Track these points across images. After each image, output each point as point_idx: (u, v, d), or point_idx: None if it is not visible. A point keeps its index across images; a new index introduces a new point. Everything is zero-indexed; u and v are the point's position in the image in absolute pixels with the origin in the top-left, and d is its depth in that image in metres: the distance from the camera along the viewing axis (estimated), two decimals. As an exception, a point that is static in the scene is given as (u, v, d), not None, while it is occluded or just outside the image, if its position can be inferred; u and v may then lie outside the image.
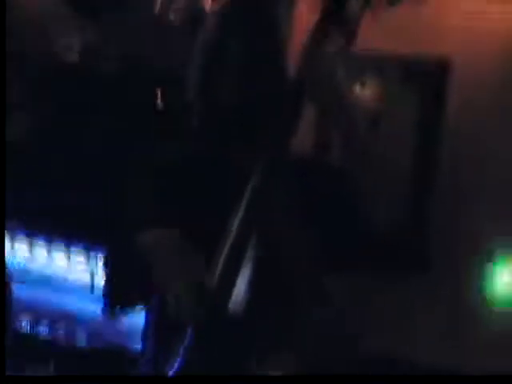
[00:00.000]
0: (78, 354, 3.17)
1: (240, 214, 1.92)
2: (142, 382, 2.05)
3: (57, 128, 3.34)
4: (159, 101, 3.17)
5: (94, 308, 3.14)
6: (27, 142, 3.34)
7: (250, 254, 1.93)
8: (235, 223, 1.92)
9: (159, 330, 2.08)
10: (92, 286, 3.16)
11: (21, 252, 3.26)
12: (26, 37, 3.60)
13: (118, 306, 2.12)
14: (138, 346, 2.53)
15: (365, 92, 2.97)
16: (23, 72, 3.47)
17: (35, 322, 3.22)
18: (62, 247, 3.20)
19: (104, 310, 2.13)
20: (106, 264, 2.20)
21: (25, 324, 3.21)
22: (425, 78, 3.08)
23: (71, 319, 3.21)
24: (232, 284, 1.90)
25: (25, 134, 3.35)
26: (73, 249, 3.20)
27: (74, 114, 3.31)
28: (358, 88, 2.94)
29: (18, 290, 3.05)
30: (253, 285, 1.92)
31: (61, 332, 3.21)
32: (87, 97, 3.32)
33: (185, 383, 1.89)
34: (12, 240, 3.25)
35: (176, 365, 1.88)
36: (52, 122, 3.37)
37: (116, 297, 2.11)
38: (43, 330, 3.23)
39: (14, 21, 3.51)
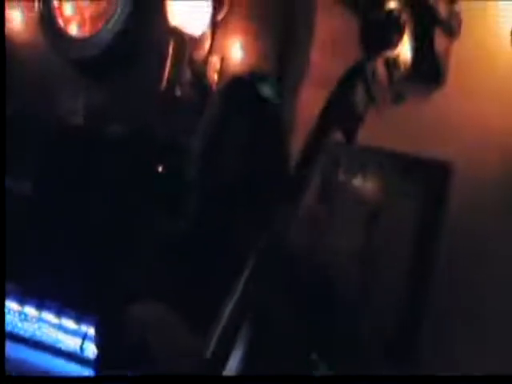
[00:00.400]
0: None
1: (236, 294, 1.91)
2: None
3: (57, 192, 3.37)
4: (161, 170, 3.18)
5: (81, 371, 3.09)
6: (28, 203, 3.38)
7: (243, 334, 1.92)
8: (231, 302, 1.91)
9: None
10: (81, 350, 3.11)
11: (12, 312, 3.24)
12: (28, 99, 3.62)
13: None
14: None
15: (366, 185, 2.99)
16: (25, 134, 3.52)
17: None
18: (53, 312, 3.18)
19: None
20: (96, 334, 2.29)
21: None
22: (426, 177, 3.09)
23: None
24: (223, 362, 1.88)
25: (26, 195, 3.38)
26: (64, 315, 3.17)
27: (75, 178, 3.34)
28: (359, 181, 2.96)
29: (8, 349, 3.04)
30: (244, 364, 1.91)
31: None
32: (89, 160, 3.35)
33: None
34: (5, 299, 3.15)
35: None
36: (52, 184, 3.41)
37: (106, 367, 2.11)
38: None
39: (16, 81, 3.54)
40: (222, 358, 1.88)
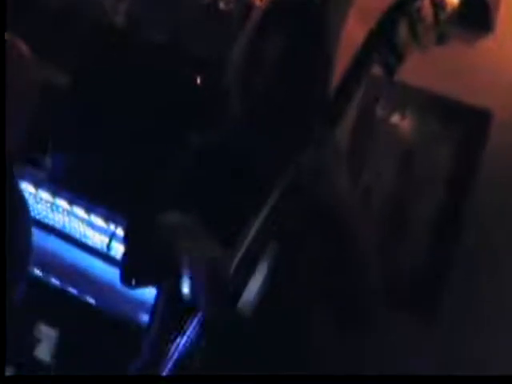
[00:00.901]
0: (85, 309, 3.17)
1: (263, 214, 1.92)
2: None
3: (94, 89, 3.37)
4: (198, 81, 3.19)
5: (106, 270, 3.17)
6: (65, 97, 3.38)
7: (266, 258, 1.93)
8: (257, 222, 1.92)
9: (169, 309, 2.09)
10: (108, 249, 3.16)
11: (43, 202, 3.28)
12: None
13: (134, 280, 2.17)
14: (145, 318, 2.56)
15: (403, 124, 2.98)
16: (69, 28, 3.53)
17: (47, 273, 3.24)
18: (84, 207, 3.21)
19: (120, 279, 2.16)
20: (126, 236, 2.23)
21: (37, 273, 3.22)
22: (464, 123, 3.06)
23: (83, 276, 3.22)
24: (244, 283, 1.90)
25: (64, 89, 3.38)
26: (93, 212, 3.21)
27: (112, 78, 3.34)
28: (396, 119, 2.95)
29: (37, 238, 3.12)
30: (264, 289, 1.92)
31: (71, 287, 3.22)
32: (126, 62, 3.34)
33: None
34: (36, 188, 3.26)
35: (178, 349, 1.88)
36: (90, 81, 3.40)
37: (132, 271, 2.16)
38: (54, 282, 3.24)
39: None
40: (244, 276, 1.90)
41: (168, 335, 1.95)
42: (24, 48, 2.31)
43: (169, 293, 2.09)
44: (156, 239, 2.01)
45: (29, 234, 2.36)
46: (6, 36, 2.33)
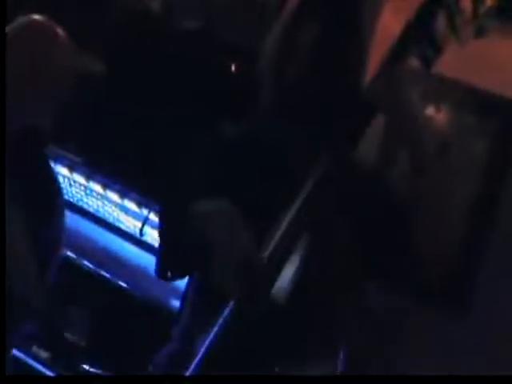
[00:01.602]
0: (117, 292, 3.17)
1: (297, 205, 1.95)
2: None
3: (128, 75, 3.35)
4: (232, 69, 3.18)
5: (139, 254, 3.18)
6: (99, 83, 3.34)
7: (300, 247, 1.97)
8: (290, 213, 1.95)
9: (200, 297, 2.14)
10: (141, 233, 3.15)
11: (78, 186, 3.30)
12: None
13: (170, 273, 2.18)
14: (177, 305, 2.58)
15: (438, 116, 2.97)
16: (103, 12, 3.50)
17: (80, 256, 3.26)
18: (118, 192, 3.22)
19: (156, 272, 2.17)
20: (160, 228, 2.23)
21: (70, 256, 3.23)
22: (501, 118, 3.02)
23: (115, 260, 3.24)
24: (278, 271, 1.94)
25: (97, 74, 3.35)
26: (127, 197, 3.21)
27: (145, 64, 3.31)
28: (432, 112, 2.94)
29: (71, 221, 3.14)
30: (298, 278, 1.97)
31: (103, 270, 3.23)
32: (160, 49, 3.32)
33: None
34: (71, 171, 3.29)
35: (209, 338, 1.90)
36: (123, 67, 3.39)
37: (168, 263, 2.17)
38: (87, 265, 3.25)
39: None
40: (277, 263, 1.94)
41: (199, 323, 1.99)
42: (61, 33, 2.34)
43: (201, 281, 2.13)
44: (190, 228, 2.00)
45: (62, 217, 2.40)
46: (43, 19, 2.35)
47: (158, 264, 2.16)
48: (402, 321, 2.82)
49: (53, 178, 2.44)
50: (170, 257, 2.15)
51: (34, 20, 2.34)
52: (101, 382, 2.44)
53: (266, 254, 1.92)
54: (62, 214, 2.42)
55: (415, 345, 2.82)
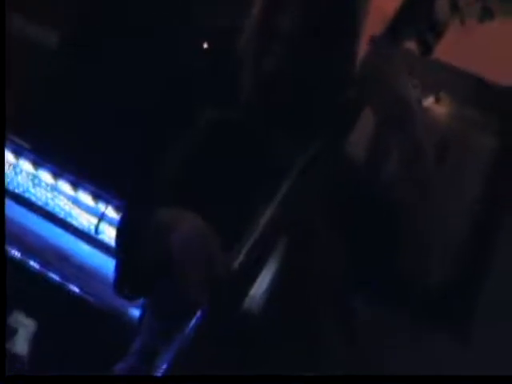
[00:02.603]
0: (68, 298, 3.19)
1: (273, 206, 1.91)
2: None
3: (88, 51, 3.44)
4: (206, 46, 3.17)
5: (94, 254, 3.22)
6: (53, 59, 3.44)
7: (277, 253, 1.93)
8: (266, 215, 1.91)
9: (163, 306, 2.09)
10: (96, 231, 3.19)
11: (24, 174, 3.31)
12: None
13: (127, 288, 2.15)
14: (136, 313, 2.56)
15: (438, 108, 2.98)
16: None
17: (26, 255, 3.26)
18: (70, 182, 3.24)
19: (113, 287, 2.14)
20: (119, 233, 2.17)
21: (15, 254, 3.24)
22: (506, 112, 3.06)
23: (66, 261, 3.25)
24: (250, 279, 1.90)
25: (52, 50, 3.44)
26: (81, 188, 3.23)
27: (111, 40, 3.40)
28: (430, 100, 2.95)
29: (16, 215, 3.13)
30: (274, 287, 1.93)
31: (53, 272, 3.23)
32: (133, 28, 3.41)
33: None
34: (17, 157, 3.31)
35: (173, 350, 1.87)
36: (84, 40, 3.48)
37: (126, 277, 2.13)
38: (34, 265, 3.26)
39: None
40: (250, 271, 1.91)
41: (162, 334, 1.96)
42: None
43: (163, 293, 2.08)
44: (152, 238, 1.96)
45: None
46: None
47: (115, 277, 2.10)
48: (390, 338, 2.84)
49: None
50: (128, 270, 2.11)
51: None
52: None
53: (237, 261, 1.90)
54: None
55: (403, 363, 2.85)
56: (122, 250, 2.10)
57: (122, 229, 2.14)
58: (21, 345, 3.06)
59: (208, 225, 1.90)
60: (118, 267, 2.09)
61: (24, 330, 3.07)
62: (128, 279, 2.10)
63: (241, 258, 1.89)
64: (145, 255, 2.00)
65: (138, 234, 2.02)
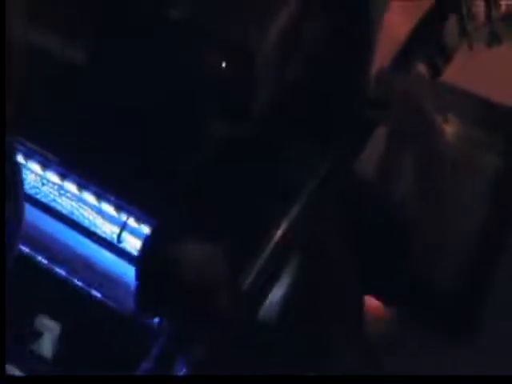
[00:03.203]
0: (91, 303, 3.21)
1: (287, 222, 1.93)
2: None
3: (111, 65, 3.44)
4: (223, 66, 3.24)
5: (116, 262, 3.24)
6: (78, 73, 3.45)
7: (289, 268, 1.96)
8: (277, 233, 1.93)
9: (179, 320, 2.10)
10: (119, 240, 3.22)
11: (51, 185, 3.37)
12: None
13: (147, 310, 2.23)
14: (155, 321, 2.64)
15: (446, 129, 2.99)
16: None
17: (51, 261, 3.29)
18: (94, 193, 3.29)
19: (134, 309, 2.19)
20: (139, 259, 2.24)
21: (41, 261, 3.28)
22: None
23: (90, 268, 3.29)
24: (265, 292, 1.93)
25: (76, 63, 3.47)
26: (104, 200, 3.28)
27: (133, 56, 3.38)
28: (439, 120, 2.96)
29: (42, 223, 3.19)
30: (286, 299, 1.97)
31: (77, 279, 3.25)
32: (150, 42, 3.40)
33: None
34: (44, 169, 3.37)
35: (190, 357, 1.93)
36: (107, 57, 3.48)
37: (146, 301, 2.17)
38: (59, 271, 3.28)
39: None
40: (261, 291, 1.94)
41: (180, 344, 2.00)
42: None
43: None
44: (168, 267, 2.00)
45: (21, 208, 2.40)
46: None
47: (135, 299, 2.16)
48: (402, 346, 2.85)
49: (16, 174, 2.44)
50: (146, 294, 2.16)
51: None
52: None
53: (248, 280, 1.92)
54: (21, 213, 2.42)
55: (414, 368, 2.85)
56: (141, 276, 2.16)
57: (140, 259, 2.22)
58: (46, 347, 3.09)
59: (219, 244, 1.96)
60: (137, 290, 2.15)
61: (49, 333, 3.10)
62: (147, 302, 2.17)
63: (253, 274, 1.93)
64: (159, 283, 2.07)
65: (155, 263, 2.11)
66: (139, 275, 2.15)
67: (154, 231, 2.24)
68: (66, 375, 2.86)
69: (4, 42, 2.30)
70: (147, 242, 2.21)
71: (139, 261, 2.21)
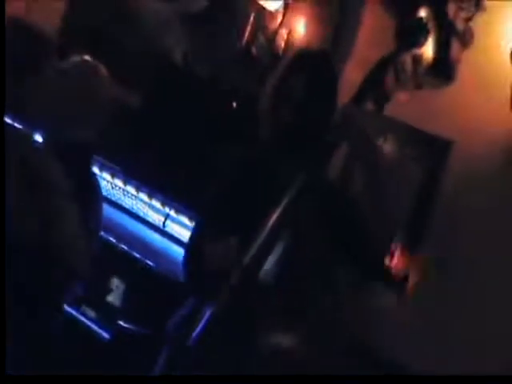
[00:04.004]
0: (146, 269, 3.05)
1: (280, 210, 1.92)
2: (142, 382, 1.98)
3: (155, 109, 3.20)
4: (234, 105, 3.19)
5: (162, 241, 3.06)
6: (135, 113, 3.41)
7: (281, 242, 2.01)
8: (275, 214, 1.92)
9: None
10: (164, 226, 3.04)
11: (118, 189, 3.28)
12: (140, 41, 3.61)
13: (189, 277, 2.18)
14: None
15: (385, 146, 2.99)
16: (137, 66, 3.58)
17: (119, 240, 3.18)
18: (147, 193, 3.17)
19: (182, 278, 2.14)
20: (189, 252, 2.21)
21: (112, 240, 3.19)
22: (431, 148, 3.02)
23: (144, 245, 3.13)
24: (264, 259, 1.99)
25: (134, 107, 3.41)
26: (154, 198, 3.15)
27: (168, 104, 3.18)
28: (381, 141, 2.96)
29: (112, 215, 3.23)
30: (280, 264, 2.00)
31: (136, 252, 3.16)
32: (179, 93, 3.19)
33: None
34: (113, 177, 3.25)
35: (211, 308, 1.85)
36: (153, 102, 3.23)
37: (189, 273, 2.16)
38: (124, 247, 3.18)
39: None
40: (259, 261, 2.00)
41: (204, 297, 1.97)
42: (103, 69, 2.48)
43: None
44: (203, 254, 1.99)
45: (100, 209, 2.39)
46: (91, 59, 2.37)
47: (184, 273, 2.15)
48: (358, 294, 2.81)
49: (94, 179, 2.43)
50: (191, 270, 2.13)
51: (85, 59, 2.49)
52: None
53: (250, 254, 1.90)
54: (100, 207, 2.40)
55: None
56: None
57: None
58: (115, 299, 3.06)
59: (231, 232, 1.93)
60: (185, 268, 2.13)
61: (117, 290, 3.07)
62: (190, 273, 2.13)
63: (253, 250, 1.90)
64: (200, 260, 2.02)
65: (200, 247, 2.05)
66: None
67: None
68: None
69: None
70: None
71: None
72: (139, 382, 2.03)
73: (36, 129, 2.40)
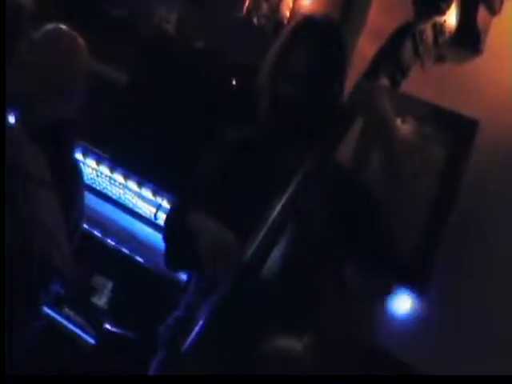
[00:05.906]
0: (135, 266, 3.10)
1: (280, 204, 1.86)
2: (142, 381, 1.95)
3: (147, 85, 3.25)
4: (233, 82, 3.21)
5: (153, 234, 3.14)
6: (124, 91, 3.29)
7: (283, 239, 1.88)
8: (278, 207, 1.87)
9: (201, 277, 2.05)
10: (155, 217, 3.13)
11: (103, 177, 3.28)
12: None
13: (173, 265, 2.16)
14: (184, 278, 2.64)
15: (403, 127, 2.96)
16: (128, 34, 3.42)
17: (105, 234, 3.21)
18: (136, 182, 3.20)
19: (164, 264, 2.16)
20: (165, 228, 2.18)
21: (97, 234, 3.22)
22: (455, 129, 2.86)
23: (134, 239, 3.22)
24: (264, 259, 1.86)
25: (123, 85, 3.30)
26: (144, 187, 3.24)
27: (162, 78, 3.22)
28: (398, 122, 2.93)
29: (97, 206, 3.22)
30: (282, 264, 1.90)
31: (124, 247, 3.18)
32: (173, 66, 3.23)
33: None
34: (98, 164, 3.32)
35: (209, 308, 1.84)
36: (143, 78, 3.28)
37: (171, 258, 2.11)
38: (110, 242, 3.21)
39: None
40: (262, 256, 1.87)
41: (201, 296, 1.95)
42: (79, 39, 2.43)
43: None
44: (186, 237, 1.94)
45: (82, 201, 2.34)
46: (65, 27, 2.33)
47: (165, 258, 2.16)
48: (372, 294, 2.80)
49: (77, 168, 2.39)
50: (172, 254, 2.10)
51: (59, 28, 2.42)
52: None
53: (252, 249, 1.86)
54: (82, 199, 2.36)
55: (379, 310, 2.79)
56: (166, 242, 2.16)
57: (166, 228, 2.19)
58: (101, 300, 3.05)
59: (228, 222, 1.91)
60: (165, 252, 2.16)
61: (103, 288, 3.06)
62: (172, 260, 2.15)
63: (255, 244, 1.87)
64: (182, 248, 2.05)
65: (177, 233, 2.08)
66: (166, 241, 2.13)
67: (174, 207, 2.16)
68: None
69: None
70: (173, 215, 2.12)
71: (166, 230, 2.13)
72: (139, 382, 2.07)
73: (8, 108, 2.36)
